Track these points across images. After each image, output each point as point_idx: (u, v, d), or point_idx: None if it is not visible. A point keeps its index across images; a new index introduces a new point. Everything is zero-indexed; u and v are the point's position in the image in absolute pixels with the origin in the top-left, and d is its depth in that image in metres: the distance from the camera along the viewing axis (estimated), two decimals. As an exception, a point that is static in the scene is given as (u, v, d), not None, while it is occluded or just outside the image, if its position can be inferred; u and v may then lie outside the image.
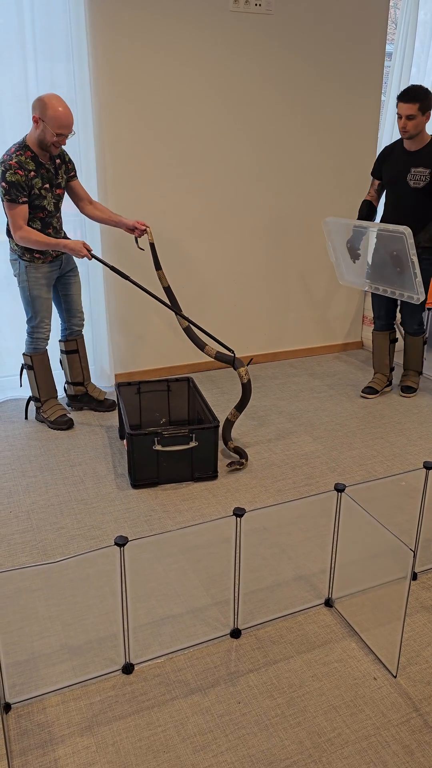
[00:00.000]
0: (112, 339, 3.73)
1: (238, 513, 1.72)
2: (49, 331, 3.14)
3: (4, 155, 2.80)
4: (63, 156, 2.97)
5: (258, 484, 2.73)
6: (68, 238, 3.12)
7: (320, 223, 4.11)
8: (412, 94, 3.01)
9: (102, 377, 3.75)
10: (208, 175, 3.72)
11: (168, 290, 3.02)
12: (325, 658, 1.81)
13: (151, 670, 1.77)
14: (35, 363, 3.15)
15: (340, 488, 1.86)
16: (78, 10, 3.09)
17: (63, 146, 2.88)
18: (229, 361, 2.86)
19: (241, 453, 2.90)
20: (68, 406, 3.45)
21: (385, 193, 3.42)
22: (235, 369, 2.84)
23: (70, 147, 3.31)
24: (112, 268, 2.87)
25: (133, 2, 3.25)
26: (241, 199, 3.85)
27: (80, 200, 3.09)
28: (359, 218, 3.45)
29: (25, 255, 2.94)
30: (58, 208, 2.99)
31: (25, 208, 2.81)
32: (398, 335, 3.82)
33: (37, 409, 3.29)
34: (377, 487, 2.72)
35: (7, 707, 1.64)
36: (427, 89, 3.04)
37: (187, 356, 4.04)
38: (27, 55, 3.09)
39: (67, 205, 3.14)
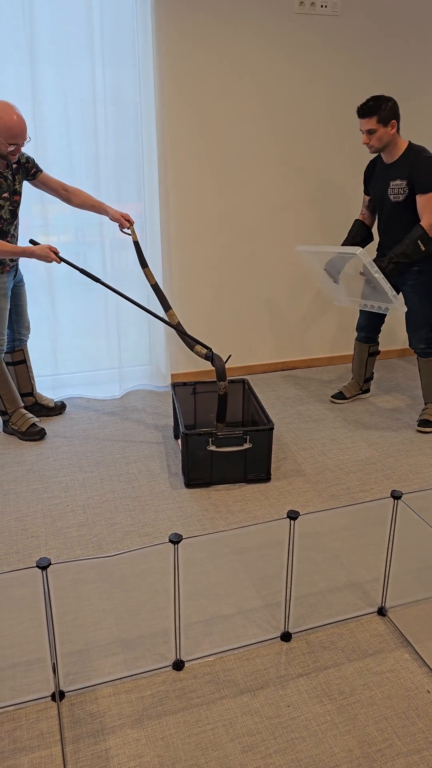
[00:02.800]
0: (169, 339, 3.77)
1: (292, 516, 1.71)
2: (5, 342, 3.05)
3: None
4: (18, 159, 2.85)
5: (311, 489, 2.72)
6: (37, 243, 2.91)
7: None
8: (366, 109, 2.83)
9: (158, 377, 3.80)
10: (270, 178, 3.72)
11: (156, 287, 2.97)
12: (377, 668, 1.78)
13: (201, 668, 1.78)
14: None
15: (396, 495, 1.83)
16: (145, 17, 3.15)
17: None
18: (208, 357, 2.80)
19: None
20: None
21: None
22: (213, 365, 2.73)
23: (134, 148, 3.37)
24: (82, 271, 2.84)
25: (197, 8, 3.28)
26: (302, 202, 3.84)
27: (54, 191, 3.00)
28: (347, 237, 3.27)
29: None
30: (15, 215, 2.89)
31: None
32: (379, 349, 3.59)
33: (5, 422, 3.19)
34: (434, 496, 2.66)
35: (62, 695, 1.69)
36: (384, 98, 2.83)
37: (242, 358, 4.05)
38: (95, 60, 3.17)
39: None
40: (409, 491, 2.67)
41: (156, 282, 3.00)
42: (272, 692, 1.70)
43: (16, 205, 2.87)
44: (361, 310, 3.40)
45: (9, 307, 3.05)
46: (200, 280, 3.78)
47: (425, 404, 3.30)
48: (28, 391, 3.34)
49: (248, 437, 2.67)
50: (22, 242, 3.24)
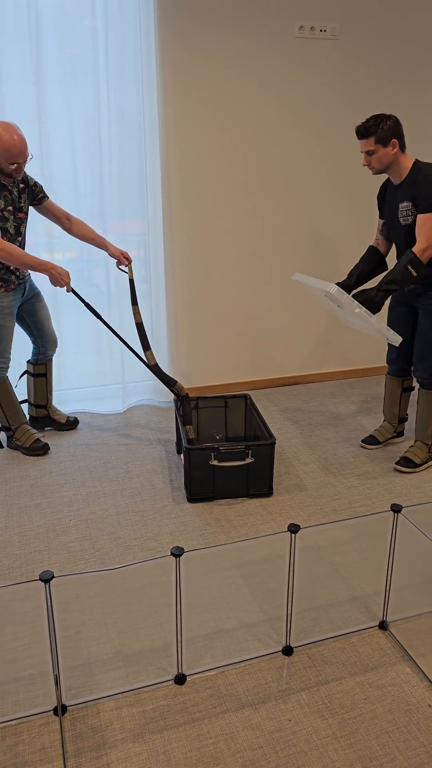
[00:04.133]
0: (172, 354, 3.80)
1: (293, 529, 1.73)
2: (9, 360, 3.10)
3: None
4: (26, 180, 2.93)
5: (313, 503, 2.73)
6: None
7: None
8: (363, 130, 2.67)
9: (161, 392, 3.82)
10: (272, 197, 3.77)
11: (140, 326, 3.03)
12: (378, 682, 1.78)
13: (203, 683, 1.78)
14: (0, 392, 3.09)
15: (396, 509, 1.84)
16: (148, 40, 3.22)
17: (24, 171, 2.89)
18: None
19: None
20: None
21: None
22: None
23: (138, 167, 3.43)
24: (87, 305, 2.98)
25: (200, 31, 3.35)
26: (305, 219, 3.88)
27: (58, 219, 3.06)
28: (357, 264, 3.02)
29: None
30: (19, 233, 2.94)
31: None
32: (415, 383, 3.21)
33: (9, 437, 3.21)
34: (436, 510, 2.67)
35: (64, 709, 1.69)
36: (383, 117, 2.67)
37: (244, 373, 4.07)
38: (99, 81, 3.23)
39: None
40: (409, 504, 2.68)
41: (141, 321, 3.05)
42: (274, 706, 1.70)
43: (20, 221, 2.93)
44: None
45: (14, 325, 3.08)
46: (203, 297, 3.82)
47: (414, 440, 3.06)
48: (42, 403, 3.39)
49: (250, 452, 2.69)
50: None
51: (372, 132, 2.67)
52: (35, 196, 2.99)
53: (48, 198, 3.04)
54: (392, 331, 2.60)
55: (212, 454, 2.66)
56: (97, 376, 3.75)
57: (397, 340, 2.60)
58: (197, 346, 3.90)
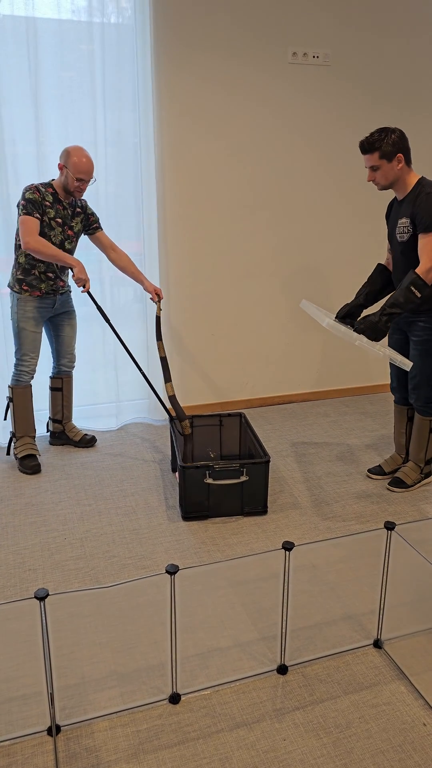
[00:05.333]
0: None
1: (288, 546, 1.74)
2: (35, 365, 3.18)
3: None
4: (84, 208, 3.14)
5: (307, 521, 2.73)
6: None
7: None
8: (367, 144, 2.58)
9: (155, 411, 3.84)
10: (267, 219, 3.83)
11: (164, 360, 3.10)
12: (373, 700, 1.78)
13: (198, 702, 1.78)
14: (15, 396, 3.17)
15: (389, 526, 1.85)
16: (145, 64, 3.29)
17: (85, 200, 3.13)
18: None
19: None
20: (49, 442, 3.54)
21: None
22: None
23: (133, 188, 3.48)
24: (100, 309, 3.10)
25: (195, 56, 3.43)
26: (298, 241, 3.94)
27: (105, 249, 3.24)
28: (365, 284, 2.95)
29: (15, 287, 3.09)
30: (63, 246, 3.08)
31: (37, 222, 2.94)
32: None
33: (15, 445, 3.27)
34: (430, 527, 2.67)
35: (57, 729, 1.68)
36: (387, 131, 2.56)
37: (239, 392, 4.09)
38: (96, 104, 3.29)
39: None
40: (403, 522, 2.69)
41: (165, 355, 3.13)
42: (268, 725, 1.70)
43: (66, 237, 3.09)
44: (390, 370, 3.08)
45: (39, 332, 3.18)
46: (198, 316, 3.85)
47: (408, 461, 3.07)
48: (58, 418, 3.48)
49: (245, 470, 2.70)
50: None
51: (376, 147, 2.57)
52: (90, 224, 3.18)
53: (101, 230, 3.22)
54: (401, 356, 2.51)
55: (207, 472, 2.67)
56: (91, 394, 3.76)
57: (407, 364, 2.49)
58: (192, 365, 3.93)
